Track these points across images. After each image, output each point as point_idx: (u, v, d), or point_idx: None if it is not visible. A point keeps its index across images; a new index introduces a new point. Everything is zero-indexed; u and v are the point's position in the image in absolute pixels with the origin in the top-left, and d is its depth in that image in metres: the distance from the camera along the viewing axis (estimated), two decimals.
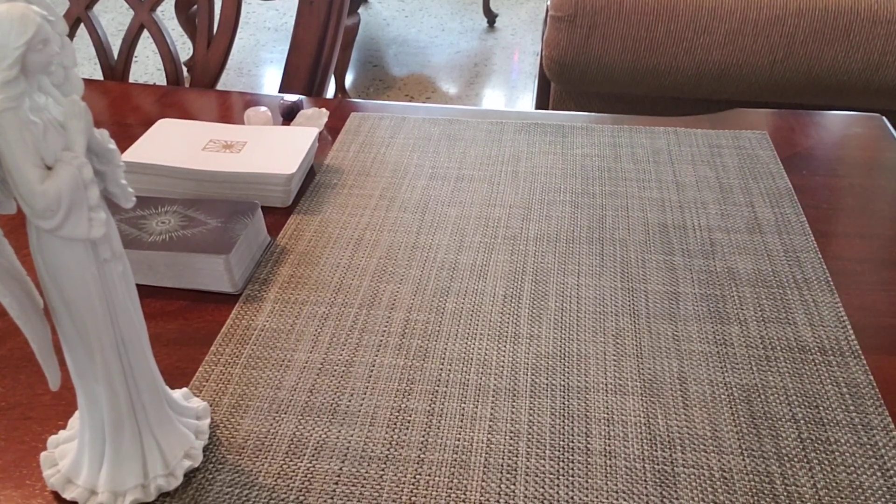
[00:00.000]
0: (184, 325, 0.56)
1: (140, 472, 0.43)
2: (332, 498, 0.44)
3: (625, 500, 0.44)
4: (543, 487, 0.44)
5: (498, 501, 0.43)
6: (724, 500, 0.44)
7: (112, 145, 0.38)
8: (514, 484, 0.44)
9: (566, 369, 0.52)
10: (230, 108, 0.86)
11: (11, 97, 0.33)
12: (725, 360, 0.53)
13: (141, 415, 0.42)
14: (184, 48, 2.70)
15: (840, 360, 0.53)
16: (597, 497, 0.44)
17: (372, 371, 0.52)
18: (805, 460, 0.46)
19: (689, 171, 0.74)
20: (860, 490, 0.44)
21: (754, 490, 0.44)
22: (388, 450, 0.46)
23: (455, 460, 0.46)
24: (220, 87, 1.06)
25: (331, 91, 2.42)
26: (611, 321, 0.56)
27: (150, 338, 0.42)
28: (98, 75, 2.48)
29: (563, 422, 0.48)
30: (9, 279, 0.37)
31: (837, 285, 0.59)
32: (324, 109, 0.82)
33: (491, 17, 3.07)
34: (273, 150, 0.70)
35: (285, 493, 0.44)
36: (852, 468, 0.45)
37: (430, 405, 0.49)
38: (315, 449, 0.47)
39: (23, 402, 0.50)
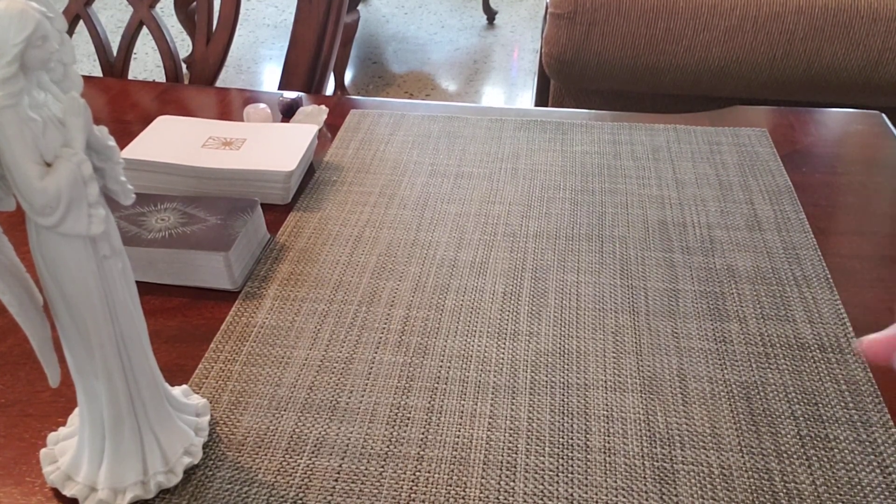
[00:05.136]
0: (183, 322, 0.56)
1: (140, 469, 0.43)
2: (331, 495, 0.44)
3: (624, 496, 0.44)
4: (543, 484, 0.44)
5: (497, 498, 0.44)
6: (724, 497, 0.44)
7: (111, 142, 0.38)
8: (514, 480, 0.44)
9: (566, 366, 0.52)
10: (229, 105, 0.86)
11: (11, 94, 0.33)
12: (725, 358, 0.53)
13: (140, 412, 0.42)
14: (183, 45, 2.70)
15: (839, 357, 0.53)
16: (596, 494, 0.44)
17: (371, 368, 0.52)
18: (804, 457, 0.46)
19: (688, 168, 0.74)
20: (859, 487, 0.44)
21: (753, 487, 0.44)
22: (388, 446, 0.46)
23: (454, 457, 0.46)
24: (219, 83, 1.06)
25: (330, 88, 2.41)
26: (610, 318, 0.56)
27: (150, 335, 0.42)
28: (97, 72, 2.48)
29: (563, 419, 0.48)
30: (8, 276, 0.37)
31: (836, 282, 0.59)
32: (323, 106, 0.81)
33: (490, 15, 3.06)
34: (272, 147, 0.70)
35: (285, 489, 0.44)
36: (851, 465, 0.45)
37: (429, 402, 0.49)
38: (315, 446, 0.47)
39: (22, 398, 0.50)
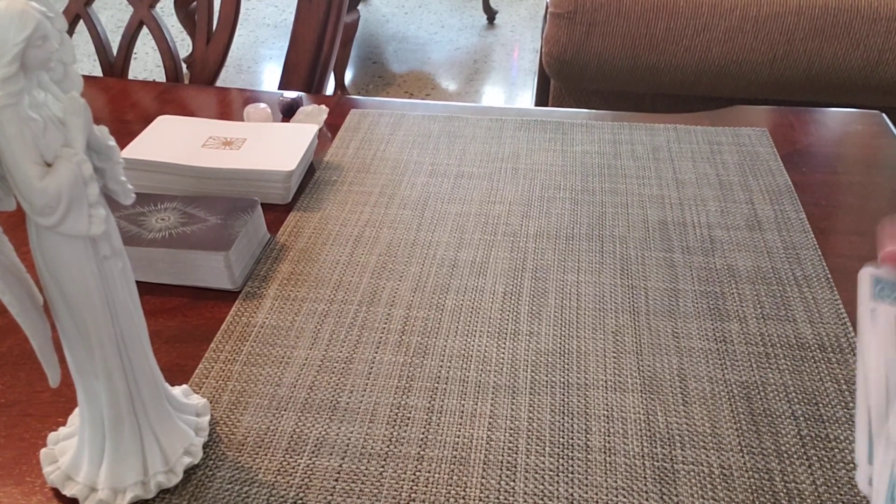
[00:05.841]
0: (183, 322, 0.56)
1: (140, 469, 0.43)
2: (331, 494, 0.44)
3: (624, 496, 0.44)
4: (543, 484, 0.44)
5: (497, 498, 0.44)
6: (724, 496, 0.44)
7: (111, 142, 0.38)
8: (514, 480, 0.44)
9: (566, 366, 0.52)
10: (230, 105, 0.86)
11: (11, 94, 0.33)
12: (725, 357, 0.53)
13: (141, 411, 0.42)
14: (183, 45, 2.70)
15: (839, 357, 0.53)
16: (596, 494, 0.44)
17: (371, 368, 0.52)
18: (804, 457, 0.46)
19: (688, 168, 0.74)
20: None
21: (754, 487, 0.44)
22: (388, 446, 0.46)
23: (455, 457, 0.46)
24: (219, 83, 1.06)
25: (330, 88, 2.41)
26: (610, 318, 0.56)
27: (150, 334, 0.42)
28: (97, 72, 2.47)
29: (563, 418, 0.48)
30: (8, 276, 0.37)
31: (837, 282, 0.59)
32: (323, 106, 0.81)
33: (491, 14, 3.06)
34: (272, 146, 0.70)
35: (285, 489, 0.44)
36: (851, 465, 0.45)
37: (429, 402, 0.49)
38: (315, 445, 0.47)
39: (22, 398, 0.50)
